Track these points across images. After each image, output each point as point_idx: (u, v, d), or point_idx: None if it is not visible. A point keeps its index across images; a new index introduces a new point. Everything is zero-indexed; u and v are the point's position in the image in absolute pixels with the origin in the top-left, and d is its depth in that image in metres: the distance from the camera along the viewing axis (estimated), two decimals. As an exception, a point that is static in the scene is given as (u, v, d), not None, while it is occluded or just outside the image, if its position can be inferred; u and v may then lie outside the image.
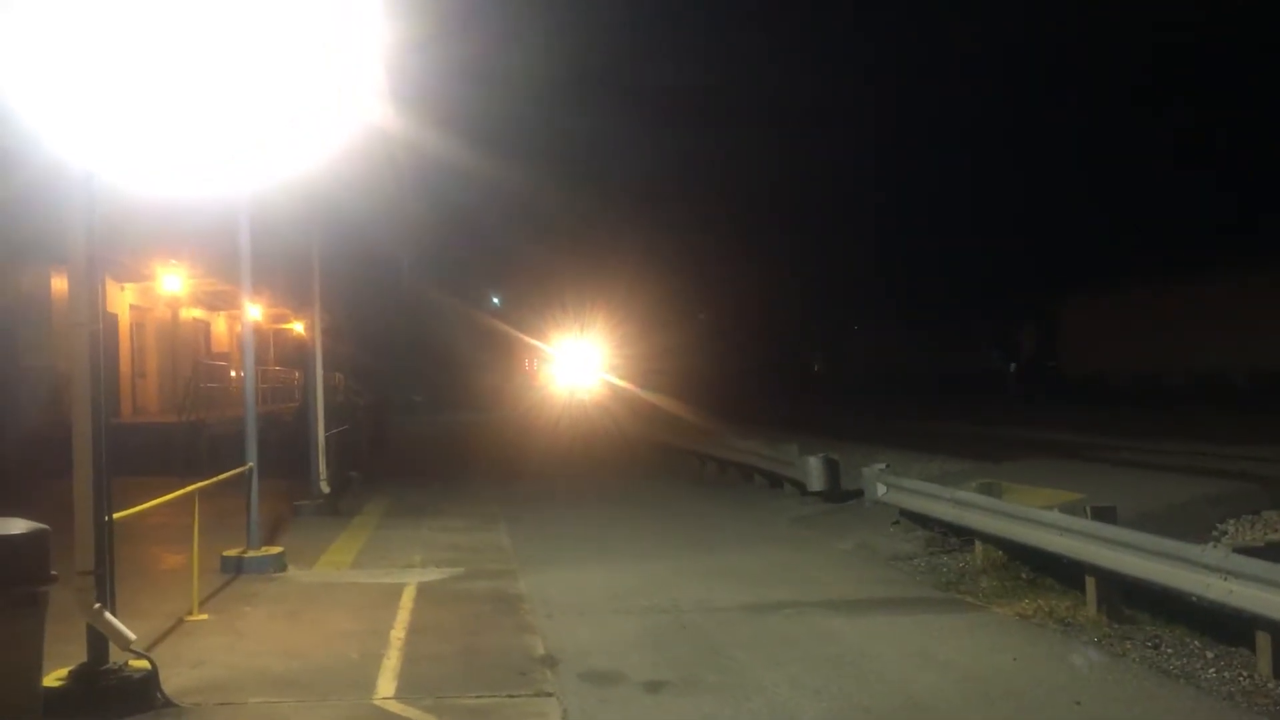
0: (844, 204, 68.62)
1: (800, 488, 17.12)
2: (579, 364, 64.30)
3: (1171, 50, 50.24)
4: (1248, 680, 7.40)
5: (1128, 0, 54.69)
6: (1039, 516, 10.05)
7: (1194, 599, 7.85)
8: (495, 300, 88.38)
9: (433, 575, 11.46)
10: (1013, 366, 53.31)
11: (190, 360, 28.09)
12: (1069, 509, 10.47)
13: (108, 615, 6.84)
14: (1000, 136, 64.60)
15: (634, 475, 23.15)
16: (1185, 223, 48.13)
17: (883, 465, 14.88)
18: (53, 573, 6.18)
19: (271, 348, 38.01)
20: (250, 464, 11.91)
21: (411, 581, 11.04)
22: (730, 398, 46.51)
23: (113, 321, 24.71)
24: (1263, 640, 7.20)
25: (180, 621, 9.23)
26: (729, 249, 65.41)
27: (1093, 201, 54.54)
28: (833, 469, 16.68)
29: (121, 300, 26.09)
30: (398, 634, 8.83)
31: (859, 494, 15.32)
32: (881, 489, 13.97)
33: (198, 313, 32.41)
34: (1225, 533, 11.21)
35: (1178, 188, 50.94)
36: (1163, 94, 51.70)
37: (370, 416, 32.40)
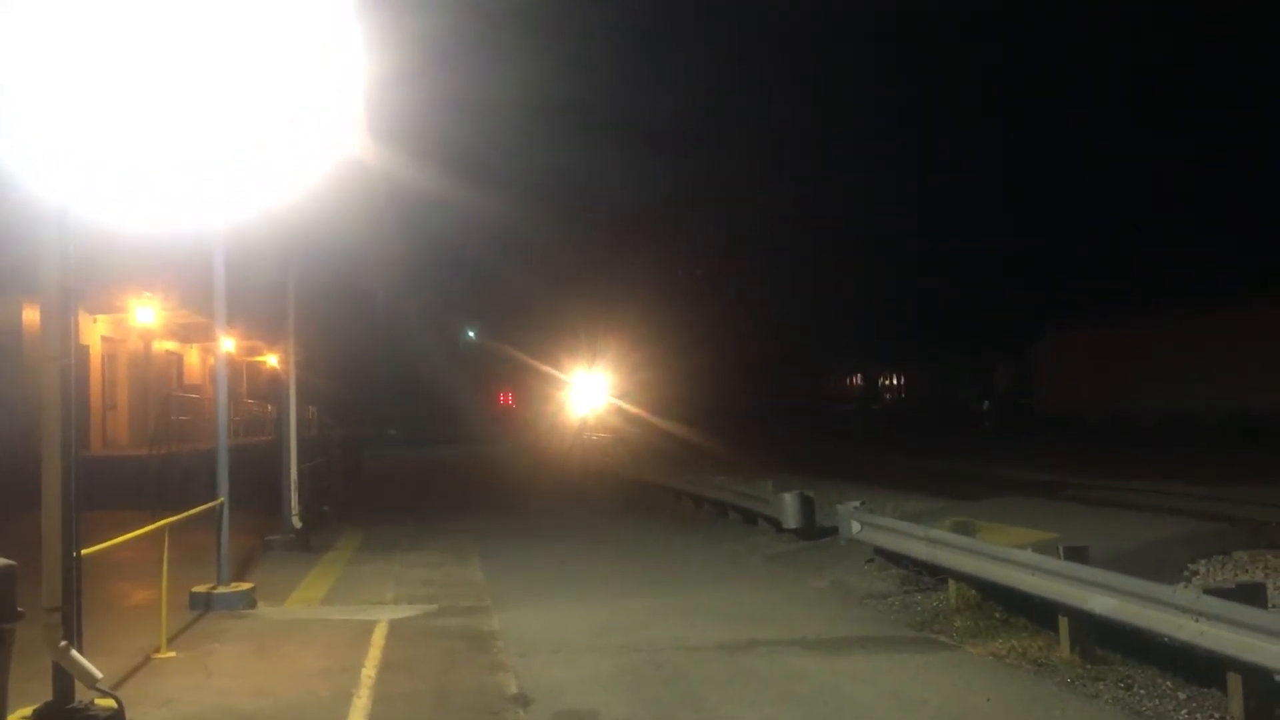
0: (825, 243, 69.17)
1: (775, 524, 17.10)
2: (565, 397, 64.49)
3: (1149, 91, 51.14)
4: (1219, 721, 7.42)
5: (1106, 45, 55.67)
6: (1012, 556, 10.07)
7: (1166, 640, 7.88)
8: (470, 333, 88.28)
9: (405, 612, 11.37)
10: (986, 404, 53.64)
11: (162, 393, 27.86)
12: (1042, 548, 10.47)
13: (74, 653, 6.74)
14: (978, 174, 65.39)
15: (609, 511, 23.07)
16: (1157, 264, 48.76)
17: (857, 503, 14.86)
18: (19, 609, 6.09)
19: (245, 380, 37.78)
20: (221, 498, 11.81)
21: (383, 618, 10.95)
22: (711, 431, 46.58)
23: (84, 353, 24.50)
24: (1234, 681, 7.23)
25: (148, 659, 9.12)
26: (716, 280, 65.82)
27: (1068, 242, 55.19)
28: (807, 506, 16.67)
29: (93, 332, 25.90)
30: (369, 672, 8.75)
31: (834, 531, 15.30)
32: (856, 526, 13.96)
33: (170, 345, 32.19)
34: (1196, 573, 11.27)
35: (1151, 229, 51.67)
36: (1139, 135, 52.56)
37: (344, 450, 32.22)
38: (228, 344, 14.47)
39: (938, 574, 11.82)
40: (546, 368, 65.62)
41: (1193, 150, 49.68)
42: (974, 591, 10.86)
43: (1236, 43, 47.77)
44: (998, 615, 10.47)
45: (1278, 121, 45.74)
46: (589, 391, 61.99)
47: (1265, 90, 48.37)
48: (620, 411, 57.55)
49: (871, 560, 13.60)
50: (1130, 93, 53.42)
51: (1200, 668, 7.89)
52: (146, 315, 25.64)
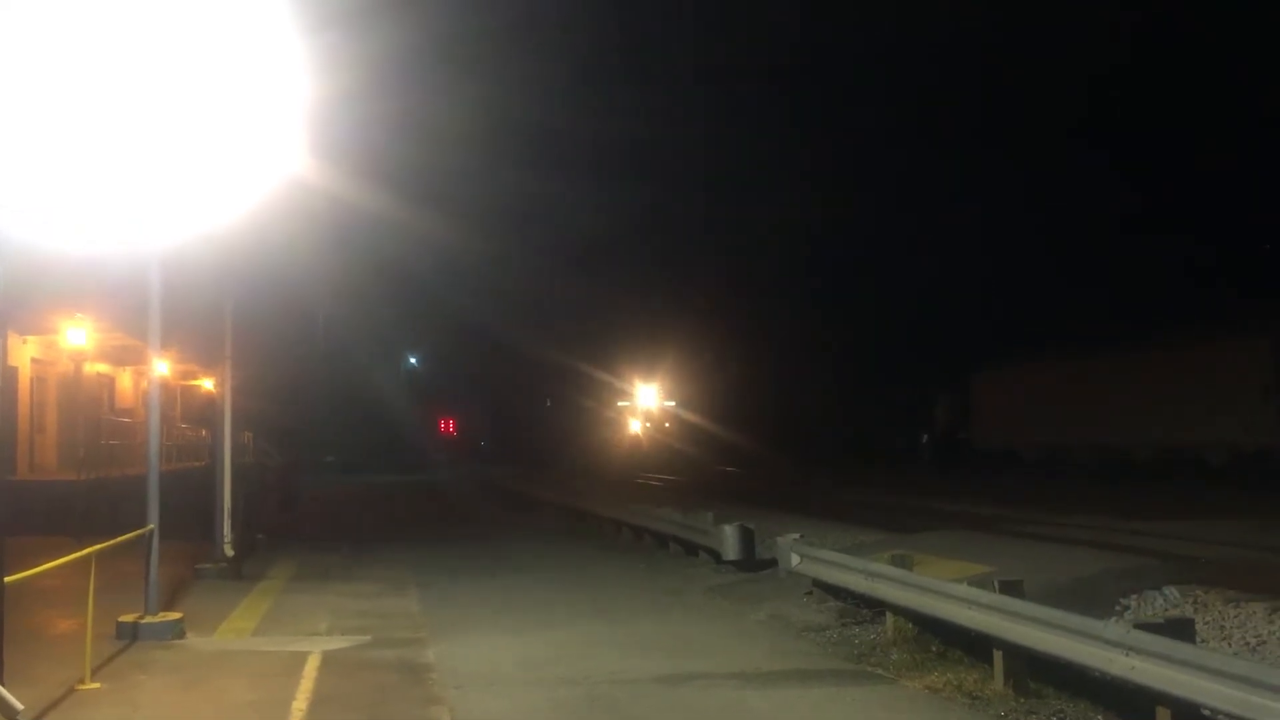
0: (772, 279, 69.74)
1: (715, 556, 17.09)
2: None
3: (1092, 123, 52.42)
4: (1149, 755, 7.50)
5: (1042, 87, 56.99)
6: (948, 589, 10.14)
7: (1098, 674, 7.97)
8: (412, 360, 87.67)
9: (338, 643, 11.17)
10: (925, 438, 54.24)
11: (93, 416, 27.27)
12: (977, 582, 10.58)
13: (-7, 684, 6.54)
14: (920, 210, 66.37)
15: (547, 541, 22.92)
16: (1093, 300, 49.75)
17: (797, 535, 14.90)
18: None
19: (179, 404, 37.10)
20: (151, 525, 11.55)
21: (316, 650, 10.75)
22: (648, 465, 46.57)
23: (12, 375, 23.91)
24: (1163, 715, 7.32)
25: (71, 690, 8.87)
26: (663, 314, 65.97)
27: (1004, 277, 56.14)
28: (747, 538, 16.69)
29: (22, 354, 25.32)
30: (299, 705, 8.57)
31: (774, 563, 15.32)
32: (795, 559, 13.99)
33: (102, 367, 31.55)
34: (1128, 608, 11.42)
35: (1087, 265, 52.79)
36: (1079, 170, 53.77)
37: (280, 477, 31.78)
38: (161, 367, 14.22)
39: (875, 607, 11.88)
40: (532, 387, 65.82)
41: (1132, 185, 50.95)
42: (911, 624, 10.92)
43: (1178, 71, 49.20)
44: (934, 648, 10.54)
45: (1221, 157, 46.95)
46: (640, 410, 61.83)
47: (1213, 117, 49.76)
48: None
49: (810, 593, 13.63)
50: (1074, 125, 54.70)
51: (1131, 702, 7.99)
52: (78, 337, 25.10)
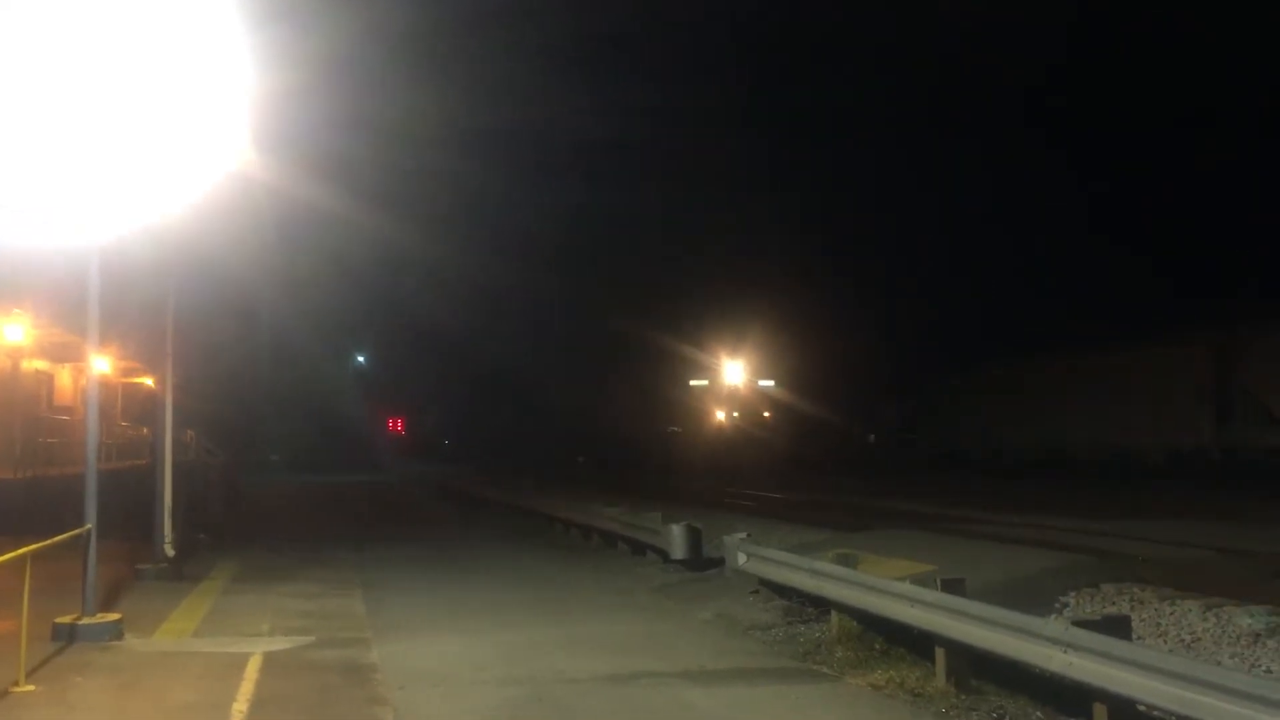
0: (732, 279, 70.08)
1: (663, 555, 17.12)
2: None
3: (1051, 126, 53.31)
4: (1086, 750, 7.62)
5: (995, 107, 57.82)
6: (891, 588, 10.24)
7: (1037, 670, 8.09)
8: (359, 359, 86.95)
9: (281, 644, 11.03)
10: (872, 438, 54.76)
11: (30, 414, 26.71)
12: (920, 580, 10.68)
13: (-79, 688, 6.39)
14: (871, 215, 67.07)
15: (493, 541, 22.84)
16: (1040, 305, 50.55)
17: (743, 534, 14.96)
18: None
19: (119, 402, 36.46)
20: (89, 525, 11.34)
21: (258, 651, 10.61)
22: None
23: (-54, 371, 23.40)
24: (1100, 711, 7.44)
25: (5, 693, 8.68)
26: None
27: (953, 283, 56.85)
28: (695, 537, 16.73)
29: (-43, 349, 24.75)
30: (240, 707, 8.46)
31: (721, 562, 15.39)
32: (742, 558, 14.05)
33: (41, 364, 30.89)
34: (1067, 605, 11.61)
35: (1034, 272, 53.61)
36: (1031, 181, 54.65)
37: (223, 476, 31.34)
38: (101, 364, 13.96)
39: (821, 605, 11.95)
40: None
41: (1077, 193, 51.88)
42: (855, 623, 11.00)
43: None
44: (878, 646, 10.62)
45: (1163, 164, 48.02)
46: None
47: (1176, 126, 50.82)
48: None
49: (756, 591, 13.69)
50: (1037, 127, 55.64)
51: (1069, 698, 8.11)
52: (15, 333, 24.56)
